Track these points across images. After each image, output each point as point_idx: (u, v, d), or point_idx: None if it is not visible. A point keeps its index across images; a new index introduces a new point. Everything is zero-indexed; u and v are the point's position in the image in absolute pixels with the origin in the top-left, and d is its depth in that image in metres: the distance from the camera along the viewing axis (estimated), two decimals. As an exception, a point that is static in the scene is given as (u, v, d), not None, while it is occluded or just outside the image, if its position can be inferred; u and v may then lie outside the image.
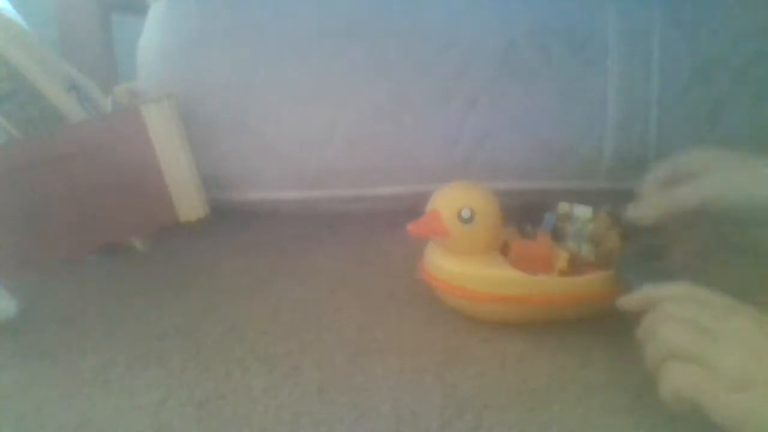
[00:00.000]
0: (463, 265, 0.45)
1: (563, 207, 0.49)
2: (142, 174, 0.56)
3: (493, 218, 0.46)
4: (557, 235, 0.48)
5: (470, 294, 0.45)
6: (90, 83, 0.61)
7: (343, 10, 0.63)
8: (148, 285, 0.54)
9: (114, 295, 0.52)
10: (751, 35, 0.64)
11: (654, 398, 0.37)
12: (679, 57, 0.64)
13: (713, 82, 0.64)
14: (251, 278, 0.55)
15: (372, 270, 0.56)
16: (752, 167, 0.42)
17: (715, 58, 0.64)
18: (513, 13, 0.63)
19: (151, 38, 0.66)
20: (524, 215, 0.50)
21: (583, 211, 0.49)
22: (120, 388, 0.39)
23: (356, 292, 0.52)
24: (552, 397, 0.38)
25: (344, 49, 0.63)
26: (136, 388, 0.39)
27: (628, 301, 0.39)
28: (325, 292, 0.52)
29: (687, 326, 0.33)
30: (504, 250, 0.46)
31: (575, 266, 0.45)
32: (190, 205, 0.58)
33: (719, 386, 0.31)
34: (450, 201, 0.45)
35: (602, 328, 0.44)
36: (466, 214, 0.44)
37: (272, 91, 0.63)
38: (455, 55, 0.63)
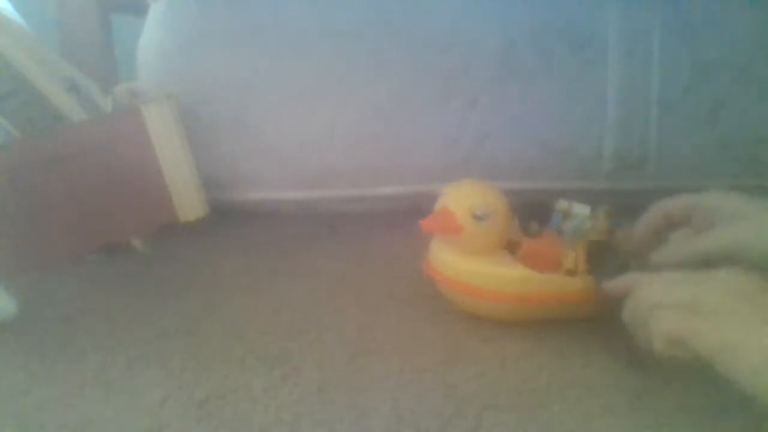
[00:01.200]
0: (478, 263, 0.45)
1: (562, 204, 0.49)
2: (142, 174, 0.56)
3: (504, 216, 0.46)
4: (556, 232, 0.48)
5: (485, 293, 0.44)
6: (90, 83, 0.61)
7: (343, 10, 0.63)
8: (148, 285, 0.54)
9: (114, 295, 0.52)
10: (751, 35, 0.64)
11: (654, 398, 0.37)
12: (679, 57, 0.64)
13: (713, 82, 0.64)
14: (251, 278, 0.55)
15: (372, 270, 0.56)
16: None
17: (715, 58, 0.64)
18: (513, 13, 0.63)
19: (151, 38, 0.66)
20: (526, 213, 0.50)
21: (581, 209, 0.49)
22: (120, 388, 0.39)
23: (356, 292, 0.52)
24: (552, 397, 0.38)
25: (344, 49, 0.63)
26: (136, 388, 0.39)
27: (613, 285, 0.40)
28: (325, 292, 0.52)
29: (670, 282, 0.35)
30: (510, 248, 0.46)
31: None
32: (190, 205, 0.58)
33: (710, 323, 0.31)
34: (463, 199, 0.45)
35: (602, 328, 0.44)
36: (480, 212, 0.44)
37: (272, 91, 0.63)
38: (455, 55, 0.63)
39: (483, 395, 0.38)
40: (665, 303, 0.34)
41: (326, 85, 0.63)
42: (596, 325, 0.44)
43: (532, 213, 0.50)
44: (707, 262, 0.39)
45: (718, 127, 0.64)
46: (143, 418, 0.36)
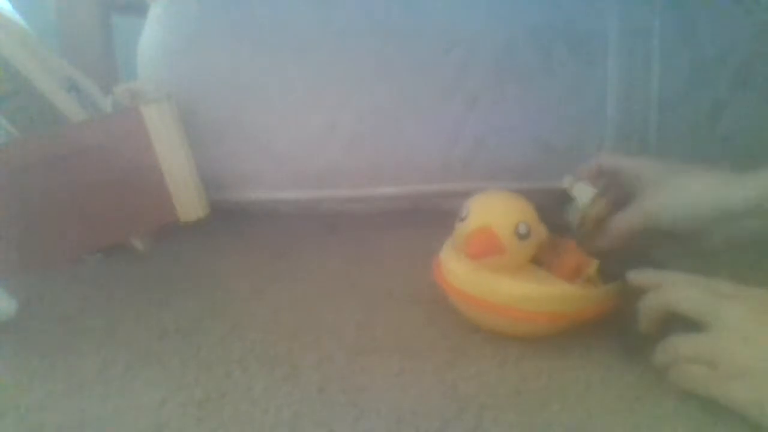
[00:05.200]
0: (528, 285, 0.41)
1: (567, 181, 0.50)
2: (142, 174, 0.56)
3: (538, 229, 0.42)
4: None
5: (533, 316, 0.41)
6: (90, 83, 0.61)
7: (343, 10, 0.63)
8: (148, 285, 0.54)
9: (114, 295, 0.52)
10: (751, 35, 0.64)
11: (654, 398, 0.37)
12: (679, 57, 0.64)
13: (713, 82, 0.64)
14: (251, 278, 0.55)
15: (372, 270, 0.56)
16: (687, 179, 0.47)
17: (715, 58, 0.64)
18: (513, 13, 0.63)
19: (151, 38, 0.66)
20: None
21: (583, 192, 0.49)
22: (120, 388, 0.39)
23: (356, 292, 0.52)
24: (552, 397, 0.38)
25: (344, 49, 0.63)
26: (136, 388, 0.39)
27: (638, 278, 0.41)
28: (325, 292, 0.52)
29: (691, 335, 0.36)
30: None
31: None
32: (190, 205, 0.58)
33: (721, 378, 0.34)
34: (504, 216, 0.41)
35: (602, 328, 0.44)
36: (523, 229, 0.41)
37: (272, 90, 0.63)
38: (455, 55, 0.63)
39: (483, 395, 0.38)
40: (686, 355, 0.36)
41: (326, 85, 0.63)
42: (596, 325, 0.44)
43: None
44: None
45: (718, 127, 0.64)
46: (143, 418, 0.36)
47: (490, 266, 0.42)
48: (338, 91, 0.63)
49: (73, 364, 0.42)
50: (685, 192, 0.46)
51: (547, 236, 0.44)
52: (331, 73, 0.63)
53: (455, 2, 0.63)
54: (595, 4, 0.64)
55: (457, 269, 0.43)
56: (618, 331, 0.43)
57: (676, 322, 0.38)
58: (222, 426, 0.35)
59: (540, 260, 0.43)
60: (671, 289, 0.38)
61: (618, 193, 0.50)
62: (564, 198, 0.50)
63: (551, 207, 0.48)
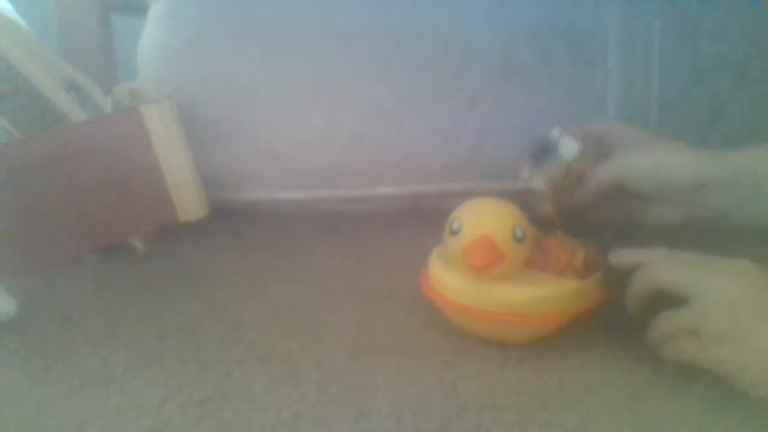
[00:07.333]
0: (535, 288, 0.41)
1: (554, 133, 0.51)
2: (142, 174, 0.56)
3: (530, 231, 0.42)
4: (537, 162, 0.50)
5: (540, 319, 0.41)
6: (90, 83, 0.61)
7: (343, 10, 0.63)
8: (148, 285, 0.54)
9: (114, 295, 0.52)
10: (751, 35, 0.64)
11: (654, 398, 0.37)
12: (679, 57, 0.64)
13: (713, 82, 0.64)
14: (251, 278, 0.55)
15: (372, 270, 0.56)
16: (660, 146, 0.49)
17: (715, 58, 0.64)
18: (513, 13, 0.63)
19: (152, 38, 0.66)
20: None
21: (571, 147, 0.50)
22: (120, 388, 0.39)
23: (356, 292, 0.52)
24: (552, 397, 0.38)
25: (344, 49, 0.63)
26: (136, 388, 0.39)
27: (620, 258, 0.42)
28: (325, 292, 0.52)
29: (677, 310, 0.37)
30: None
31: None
32: (190, 205, 0.58)
33: (706, 345, 0.35)
34: (499, 222, 0.41)
35: (602, 327, 0.44)
36: (519, 233, 0.40)
37: (272, 91, 0.63)
38: (455, 55, 0.63)
39: (483, 395, 0.38)
40: (673, 329, 0.38)
41: (326, 85, 0.63)
42: (596, 324, 0.44)
43: None
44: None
45: (718, 127, 0.64)
46: (143, 418, 0.36)
47: (489, 275, 0.41)
48: (338, 91, 0.63)
49: (73, 364, 0.42)
50: (661, 157, 0.48)
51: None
52: (331, 73, 0.63)
53: (455, 2, 0.63)
54: (594, 4, 0.64)
55: (452, 283, 0.42)
56: (608, 322, 0.43)
57: (666, 301, 0.38)
58: (222, 426, 0.35)
59: (555, 263, 0.43)
60: (652, 267, 0.39)
61: (600, 155, 0.52)
62: (537, 149, 0.51)
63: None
